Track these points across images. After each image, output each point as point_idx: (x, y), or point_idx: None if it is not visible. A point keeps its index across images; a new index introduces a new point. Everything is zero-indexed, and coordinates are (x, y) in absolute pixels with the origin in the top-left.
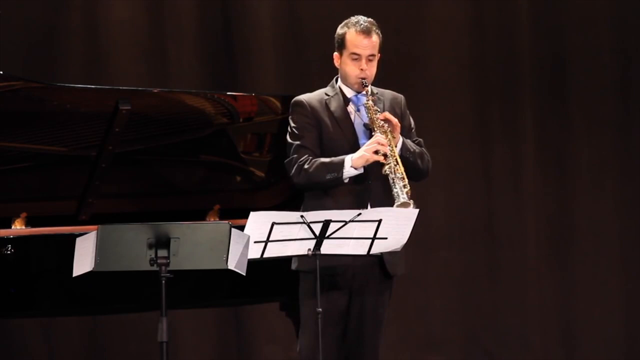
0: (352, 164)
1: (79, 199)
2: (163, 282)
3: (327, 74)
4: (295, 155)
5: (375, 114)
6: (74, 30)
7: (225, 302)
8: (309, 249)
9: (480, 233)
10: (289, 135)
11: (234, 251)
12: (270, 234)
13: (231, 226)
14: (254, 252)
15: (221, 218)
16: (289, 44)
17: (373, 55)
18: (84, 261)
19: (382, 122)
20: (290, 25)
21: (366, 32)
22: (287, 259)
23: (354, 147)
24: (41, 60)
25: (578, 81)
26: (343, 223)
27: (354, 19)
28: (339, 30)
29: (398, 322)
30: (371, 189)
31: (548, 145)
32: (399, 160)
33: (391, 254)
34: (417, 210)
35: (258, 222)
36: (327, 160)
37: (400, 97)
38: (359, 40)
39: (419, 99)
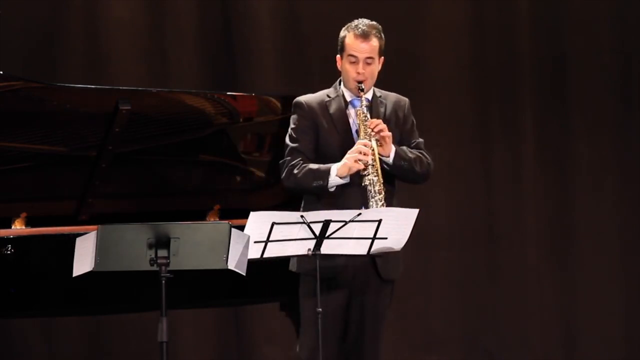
0: (337, 173)
1: (79, 199)
2: (163, 282)
3: (327, 74)
4: (289, 158)
5: (365, 120)
6: (74, 30)
7: (225, 302)
8: (309, 249)
9: (480, 233)
10: (288, 136)
11: (234, 251)
12: (270, 234)
13: (231, 226)
14: (254, 252)
15: (221, 218)
16: (289, 44)
17: (371, 58)
18: (84, 261)
19: (370, 130)
20: (290, 25)
21: (364, 35)
22: (287, 259)
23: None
24: (41, 60)
25: (578, 81)
26: (343, 223)
27: (355, 22)
28: (341, 34)
29: (398, 322)
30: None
31: (548, 145)
32: (379, 171)
33: (384, 259)
34: (417, 210)
35: (258, 222)
36: (315, 167)
37: (405, 100)
38: (356, 44)
39: (419, 99)
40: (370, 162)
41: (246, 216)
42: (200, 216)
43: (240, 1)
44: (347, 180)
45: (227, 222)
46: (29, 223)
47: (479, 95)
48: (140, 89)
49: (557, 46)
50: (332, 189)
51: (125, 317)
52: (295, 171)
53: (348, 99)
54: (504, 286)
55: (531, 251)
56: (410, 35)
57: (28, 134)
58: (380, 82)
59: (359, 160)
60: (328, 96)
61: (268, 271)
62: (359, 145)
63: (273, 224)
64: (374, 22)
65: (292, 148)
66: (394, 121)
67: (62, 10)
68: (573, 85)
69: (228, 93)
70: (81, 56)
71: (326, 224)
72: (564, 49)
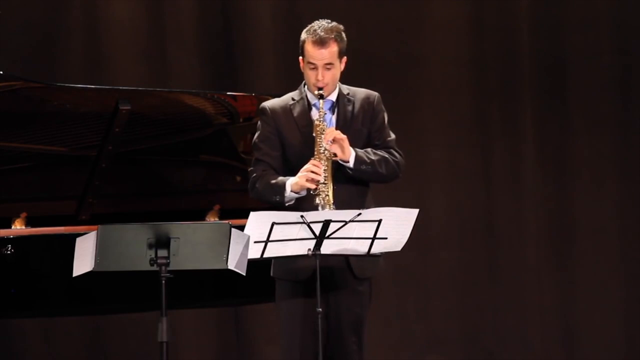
0: (291, 189)
1: (79, 199)
2: (163, 282)
3: None
4: (252, 169)
5: (320, 135)
6: (74, 30)
7: (225, 302)
8: (309, 249)
9: (480, 233)
10: (252, 144)
11: (234, 251)
12: (270, 234)
13: (231, 226)
14: (254, 252)
15: (221, 218)
16: (289, 44)
17: (330, 64)
18: (84, 261)
19: (324, 147)
20: (290, 25)
21: (321, 42)
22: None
23: None
24: (41, 60)
25: (578, 81)
26: (343, 223)
27: (315, 25)
28: (302, 35)
29: (398, 322)
30: (336, 193)
31: (548, 145)
32: (331, 192)
33: (359, 257)
34: (417, 210)
35: (258, 222)
36: (273, 181)
37: (374, 95)
38: (314, 51)
39: (419, 99)
40: (322, 180)
41: (246, 216)
42: (200, 216)
43: (240, 1)
44: (304, 194)
45: (227, 222)
46: (29, 223)
47: (478, 95)
48: (140, 89)
49: (557, 46)
50: (291, 203)
51: (125, 317)
52: (257, 184)
53: (312, 101)
54: (504, 286)
55: (531, 251)
56: (410, 35)
57: (28, 134)
58: (381, 82)
59: (311, 179)
60: (292, 99)
61: (267, 271)
62: (310, 164)
63: (273, 224)
64: (333, 24)
65: (255, 159)
66: (361, 119)
67: (62, 10)
68: (573, 85)
69: (228, 93)
70: (81, 56)
71: (326, 224)
72: (564, 49)
